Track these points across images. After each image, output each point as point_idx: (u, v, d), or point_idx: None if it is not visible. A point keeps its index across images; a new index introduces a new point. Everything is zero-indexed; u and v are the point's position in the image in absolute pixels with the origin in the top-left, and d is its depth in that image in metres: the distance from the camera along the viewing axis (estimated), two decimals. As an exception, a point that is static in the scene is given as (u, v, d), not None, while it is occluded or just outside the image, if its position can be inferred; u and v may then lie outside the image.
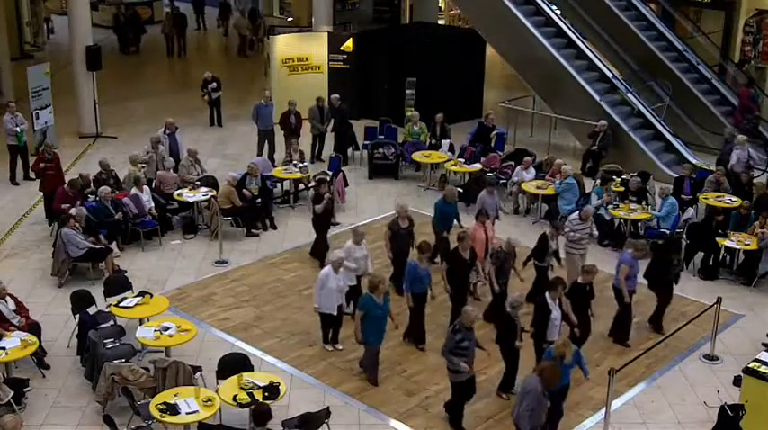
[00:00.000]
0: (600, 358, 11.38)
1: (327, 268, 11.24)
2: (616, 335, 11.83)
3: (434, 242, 13.33)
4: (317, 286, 11.19)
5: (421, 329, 11.65)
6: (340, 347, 11.48)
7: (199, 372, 10.20)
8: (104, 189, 14.14)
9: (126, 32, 28.72)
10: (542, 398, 8.79)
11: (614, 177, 15.93)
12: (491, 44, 20.96)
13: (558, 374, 8.98)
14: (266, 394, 9.45)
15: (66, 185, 14.48)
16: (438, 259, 12.96)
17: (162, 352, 10.67)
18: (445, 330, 11.31)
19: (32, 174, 16.63)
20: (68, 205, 13.94)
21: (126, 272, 12.97)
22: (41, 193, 15.48)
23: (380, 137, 18.75)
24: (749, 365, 9.82)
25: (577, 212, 13.08)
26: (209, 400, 9.36)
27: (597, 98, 18.52)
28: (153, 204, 14.70)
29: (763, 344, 11.54)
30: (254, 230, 15.06)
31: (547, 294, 10.47)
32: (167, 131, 16.81)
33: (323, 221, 13.86)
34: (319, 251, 13.77)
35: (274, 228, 15.35)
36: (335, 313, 11.26)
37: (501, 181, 16.72)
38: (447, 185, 14.31)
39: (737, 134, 17.14)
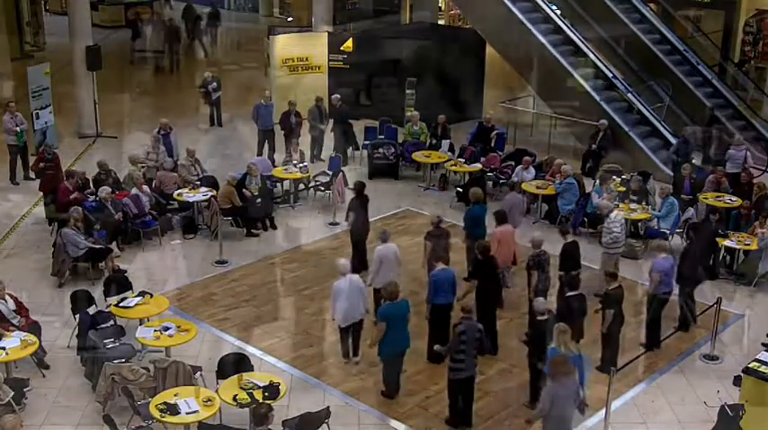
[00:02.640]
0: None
1: (354, 276, 11.06)
2: (649, 340, 11.74)
3: (467, 255, 13.19)
4: (358, 295, 10.96)
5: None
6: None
7: (199, 372, 10.21)
8: (104, 189, 14.15)
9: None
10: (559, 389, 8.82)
11: (614, 177, 15.94)
12: (491, 44, 20.97)
13: (563, 362, 8.96)
14: (266, 394, 9.45)
15: (65, 181, 14.51)
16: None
17: (162, 352, 10.67)
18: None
19: (32, 174, 16.65)
20: (75, 195, 13.99)
21: (126, 272, 12.98)
22: (41, 193, 15.50)
23: (380, 137, 18.77)
24: (749, 365, 9.82)
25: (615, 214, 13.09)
26: (209, 400, 9.35)
27: (597, 98, 18.53)
28: (152, 200, 14.72)
29: (763, 345, 11.53)
30: (254, 230, 15.07)
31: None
32: (162, 132, 16.81)
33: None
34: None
35: (274, 228, 15.35)
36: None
37: (501, 181, 16.75)
38: (473, 189, 14.17)
39: (737, 135, 17.15)
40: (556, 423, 8.97)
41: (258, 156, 18.02)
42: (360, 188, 13.61)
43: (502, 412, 10.30)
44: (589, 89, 18.66)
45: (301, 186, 16.59)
